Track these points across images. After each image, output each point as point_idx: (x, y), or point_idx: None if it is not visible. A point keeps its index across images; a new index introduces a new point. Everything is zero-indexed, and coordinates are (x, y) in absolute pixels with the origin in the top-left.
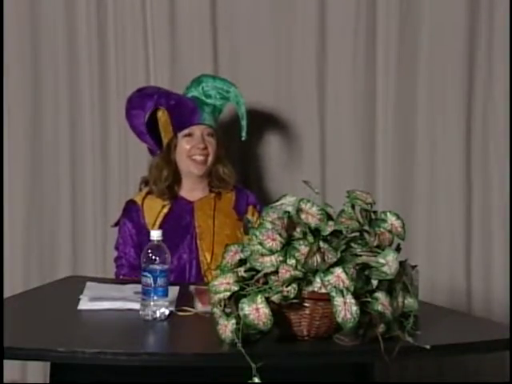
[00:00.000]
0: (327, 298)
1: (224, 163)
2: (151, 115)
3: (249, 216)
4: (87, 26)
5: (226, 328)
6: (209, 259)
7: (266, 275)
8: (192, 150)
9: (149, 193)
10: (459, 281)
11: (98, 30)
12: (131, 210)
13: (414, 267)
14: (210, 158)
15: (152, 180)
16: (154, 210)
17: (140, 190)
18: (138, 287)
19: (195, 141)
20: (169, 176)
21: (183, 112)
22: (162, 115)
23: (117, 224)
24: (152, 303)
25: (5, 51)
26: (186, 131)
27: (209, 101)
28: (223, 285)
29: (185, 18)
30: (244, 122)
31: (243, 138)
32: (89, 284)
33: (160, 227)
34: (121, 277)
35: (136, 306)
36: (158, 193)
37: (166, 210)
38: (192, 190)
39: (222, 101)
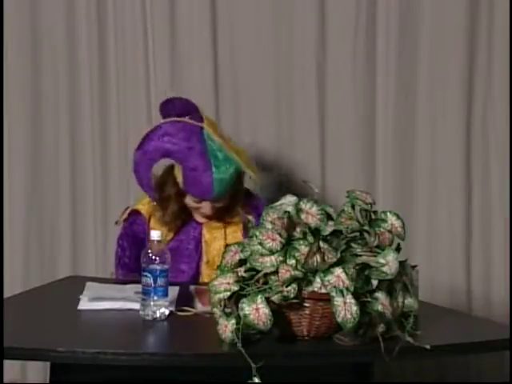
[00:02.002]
0: (327, 298)
1: (239, 198)
2: None
3: None
4: (87, 26)
5: (226, 328)
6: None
7: (266, 275)
8: (198, 210)
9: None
10: (459, 281)
11: (98, 30)
12: (136, 223)
13: (414, 267)
14: (218, 208)
15: (159, 210)
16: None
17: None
18: (138, 287)
19: (203, 209)
20: (177, 211)
21: (197, 183)
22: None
23: (123, 221)
24: (152, 303)
25: (5, 51)
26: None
27: (222, 173)
28: (223, 285)
29: (185, 17)
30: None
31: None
32: (89, 284)
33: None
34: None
35: (136, 306)
36: (166, 225)
37: (172, 234)
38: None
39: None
